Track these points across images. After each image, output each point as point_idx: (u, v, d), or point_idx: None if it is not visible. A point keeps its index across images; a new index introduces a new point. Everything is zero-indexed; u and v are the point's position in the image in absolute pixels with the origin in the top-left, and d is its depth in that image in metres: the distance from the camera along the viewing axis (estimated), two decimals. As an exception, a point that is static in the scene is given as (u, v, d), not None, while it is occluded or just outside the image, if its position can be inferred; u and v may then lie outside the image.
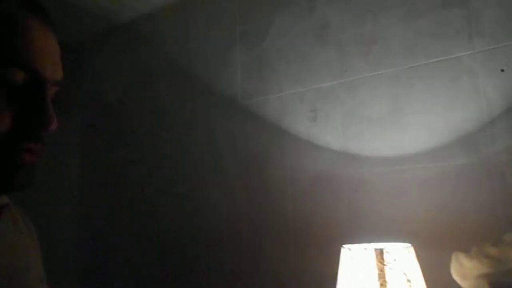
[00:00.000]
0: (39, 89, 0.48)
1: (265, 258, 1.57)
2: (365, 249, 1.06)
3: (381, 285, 1.02)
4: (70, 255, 2.19)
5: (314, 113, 1.53)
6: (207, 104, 1.82)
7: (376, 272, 1.03)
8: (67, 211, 2.21)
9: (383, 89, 1.40)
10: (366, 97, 1.44)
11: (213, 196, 1.74)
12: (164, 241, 1.87)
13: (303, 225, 1.50)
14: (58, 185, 2.26)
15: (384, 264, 1.03)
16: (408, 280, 1.03)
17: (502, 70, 1.22)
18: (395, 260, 1.04)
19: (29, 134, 0.48)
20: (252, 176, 1.65)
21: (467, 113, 1.26)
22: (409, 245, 1.11)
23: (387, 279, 1.02)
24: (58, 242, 2.15)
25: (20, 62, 0.46)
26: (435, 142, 1.30)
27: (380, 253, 1.04)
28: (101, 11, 2.03)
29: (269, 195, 1.60)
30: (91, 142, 2.22)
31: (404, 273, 1.03)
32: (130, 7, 2.01)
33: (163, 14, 2.03)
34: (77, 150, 2.27)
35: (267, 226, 1.58)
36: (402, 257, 1.05)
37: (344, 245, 1.15)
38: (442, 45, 1.31)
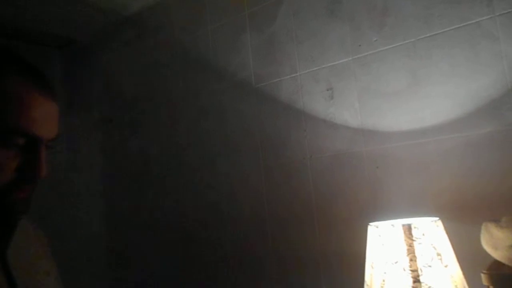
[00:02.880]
0: (36, 147, 0.64)
1: (289, 242, 1.58)
2: (393, 225, 1.05)
3: (411, 260, 1.01)
4: (94, 245, 2.24)
5: (330, 91, 1.51)
6: (220, 91, 1.81)
7: (405, 247, 1.02)
8: (90, 203, 2.26)
9: (400, 62, 1.37)
10: (382, 71, 1.40)
11: (233, 182, 1.75)
12: (187, 230, 1.89)
13: (326, 205, 1.50)
14: (81, 179, 2.30)
15: (412, 240, 1.02)
16: (438, 254, 1.02)
17: (525, 32, 1.17)
18: (423, 234, 1.02)
19: (26, 180, 0.63)
20: (271, 160, 1.64)
21: (489, 80, 1.22)
22: (436, 218, 1.09)
23: (416, 254, 1.01)
24: (82, 232, 2.21)
25: (22, 130, 0.61)
26: (457, 112, 1.27)
27: (408, 228, 1.03)
28: (109, 4, 2.02)
29: (289, 178, 1.59)
30: (110, 136, 2.24)
31: (434, 247, 1.02)
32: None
33: (170, 2, 2.00)
34: (97, 145, 2.29)
35: (289, 209, 1.58)
36: (431, 231, 1.03)
37: (370, 223, 1.14)
38: (459, 11, 1.26)
